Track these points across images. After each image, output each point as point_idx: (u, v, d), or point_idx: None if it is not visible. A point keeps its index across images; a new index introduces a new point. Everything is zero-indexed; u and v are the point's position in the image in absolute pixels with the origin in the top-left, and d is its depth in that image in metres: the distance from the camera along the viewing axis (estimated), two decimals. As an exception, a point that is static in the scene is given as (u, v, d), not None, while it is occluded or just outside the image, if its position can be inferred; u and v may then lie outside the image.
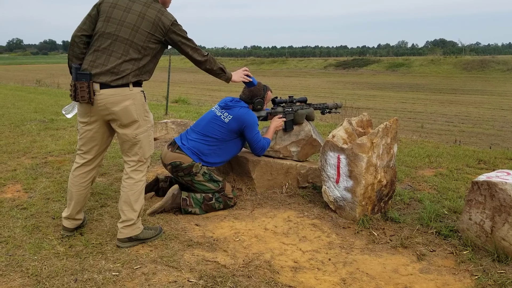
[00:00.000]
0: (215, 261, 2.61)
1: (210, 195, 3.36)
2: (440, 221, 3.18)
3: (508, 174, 2.71)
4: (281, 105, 3.80)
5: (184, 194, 3.31)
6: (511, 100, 21.91)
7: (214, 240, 2.91)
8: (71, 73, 2.54)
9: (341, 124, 3.42)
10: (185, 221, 3.21)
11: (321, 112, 3.97)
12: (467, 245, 2.77)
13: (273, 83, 28.82)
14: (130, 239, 2.70)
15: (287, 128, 3.78)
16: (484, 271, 2.50)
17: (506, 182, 2.56)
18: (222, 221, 3.24)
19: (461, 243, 2.82)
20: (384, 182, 3.25)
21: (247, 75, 3.11)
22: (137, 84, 2.60)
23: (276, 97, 3.81)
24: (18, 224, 3.02)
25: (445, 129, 14.46)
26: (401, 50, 73.80)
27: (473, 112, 18.39)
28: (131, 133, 2.61)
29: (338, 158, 3.22)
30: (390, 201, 3.40)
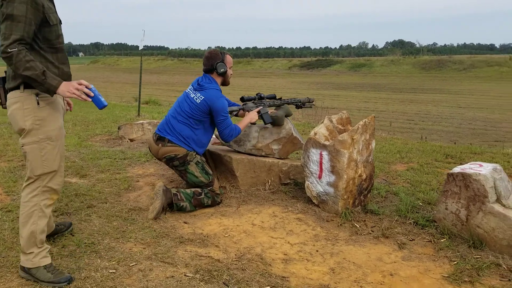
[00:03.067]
0: (208, 256, 2.68)
1: (200, 190, 3.43)
2: (416, 212, 3.37)
3: (481, 165, 2.92)
4: (251, 101, 3.85)
5: (174, 190, 3.36)
6: (468, 98, 22.90)
7: (204, 236, 2.98)
8: None
9: (322, 122, 3.55)
10: (173, 219, 3.26)
11: (296, 107, 4.04)
12: (444, 233, 2.96)
13: (239, 83, 28.92)
14: (23, 269, 2.32)
15: (266, 120, 3.82)
16: (462, 257, 2.68)
17: (479, 173, 2.76)
18: (209, 218, 3.31)
19: (438, 232, 3.01)
20: (364, 176, 3.41)
21: (85, 92, 2.19)
22: (30, 85, 2.17)
23: (244, 96, 3.86)
24: (6, 226, 2.98)
25: (406, 127, 14.98)
26: (362, 51, 75.56)
27: (432, 110, 19.10)
28: (20, 142, 2.26)
29: (321, 155, 3.36)
30: (369, 195, 3.56)
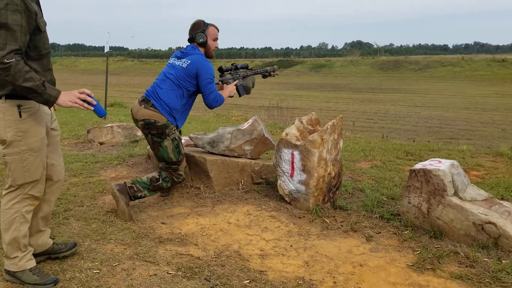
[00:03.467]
0: (188, 254, 2.79)
1: (157, 176, 3.46)
2: (381, 207, 3.59)
3: (440, 162, 3.17)
4: (229, 72, 3.79)
5: (128, 183, 3.38)
6: (424, 97, 23.82)
7: (183, 235, 3.08)
8: None
9: (293, 123, 3.72)
10: (150, 220, 3.34)
11: (263, 76, 4.01)
12: (407, 225, 3.19)
13: (201, 84, 28.80)
14: (8, 273, 2.35)
15: (241, 93, 3.80)
16: (424, 246, 2.91)
17: (439, 169, 3.00)
18: (186, 218, 3.41)
19: (402, 225, 3.23)
20: (333, 174, 3.60)
21: (86, 101, 2.18)
22: (12, 96, 2.13)
23: (222, 66, 3.79)
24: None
25: (367, 126, 15.46)
26: (322, 52, 76.90)
27: (390, 109, 19.75)
28: (1, 151, 2.24)
29: (292, 154, 3.52)
30: (337, 192, 3.76)
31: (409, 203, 3.18)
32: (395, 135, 12.03)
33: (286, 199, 3.66)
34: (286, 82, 34.08)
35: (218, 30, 3.59)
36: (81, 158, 5.02)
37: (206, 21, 3.54)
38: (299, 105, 18.68)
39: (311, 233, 3.19)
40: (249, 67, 3.94)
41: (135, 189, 3.36)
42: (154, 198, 3.79)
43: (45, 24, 2.22)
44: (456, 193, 3.02)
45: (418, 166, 3.17)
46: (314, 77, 39.44)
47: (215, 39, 3.56)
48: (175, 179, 3.50)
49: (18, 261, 2.31)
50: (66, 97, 2.10)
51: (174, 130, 3.42)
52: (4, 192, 2.30)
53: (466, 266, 2.66)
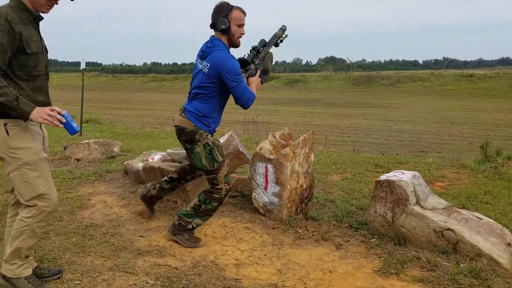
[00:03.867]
0: (166, 265, 2.90)
1: (197, 202, 3.22)
2: (350, 217, 3.78)
3: (403, 173, 3.39)
4: (252, 61, 3.31)
5: (175, 221, 3.27)
6: (395, 111, 24.46)
7: (161, 247, 3.19)
8: None
9: (267, 138, 3.90)
10: (129, 234, 3.44)
11: (274, 46, 3.45)
12: (374, 234, 3.39)
13: (177, 100, 28.88)
14: (4, 277, 2.43)
15: (262, 81, 3.42)
16: (389, 253, 3.11)
17: (401, 180, 3.22)
18: (164, 231, 3.51)
19: (369, 233, 3.43)
20: (305, 186, 3.79)
21: (57, 118, 2.23)
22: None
23: (243, 57, 3.30)
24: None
25: (340, 140, 15.80)
26: (297, 67, 78.03)
27: (363, 123, 20.22)
28: (5, 171, 2.37)
29: (266, 168, 3.69)
30: (309, 203, 3.94)
31: (376, 212, 3.38)
32: (368, 148, 12.37)
33: (261, 211, 3.81)
34: (262, 97, 34.44)
35: (244, 14, 3.10)
36: (58, 174, 5.06)
37: (230, 4, 3.08)
38: (274, 120, 18.95)
39: (284, 243, 3.34)
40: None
41: (183, 223, 3.22)
42: (132, 212, 3.89)
43: (39, 47, 2.32)
44: (418, 202, 3.23)
45: (383, 177, 3.39)
46: (289, 92, 39.98)
47: (241, 25, 3.09)
48: (215, 195, 3.18)
49: (15, 268, 2.39)
50: (38, 113, 2.19)
51: (206, 135, 3.12)
52: (21, 206, 2.38)
53: (427, 270, 2.86)
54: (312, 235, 3.48)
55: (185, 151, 4.15)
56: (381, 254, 3.10)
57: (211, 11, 3.08)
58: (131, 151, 6.74)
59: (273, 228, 3.61)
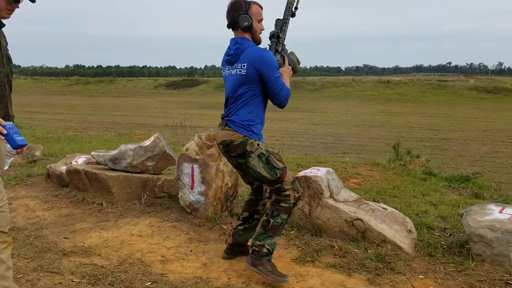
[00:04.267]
0: (92, 264, 2.94)
1: (265, 217, 2.85)
2: (273, 213, 4.01)
3: (318, 170, 3.69)
4: (278, 51, 2.92)
5: (249, 250, 2.88)
6: (320, 115, 25.46)
7: (86, 248, 3.21)
8: None
9: (193, 139, 4.03)
10: (53, 236, 3.41)
11: (291, 16, 2.99)
12: (293, 226, 3.64)
13: (102, 103, 27.98)
14: None
15: (294, 68, 3.04)
16: (306, 243, 3.36)
17: (317, 175, 3.51)
18: (89, 232, 3.53)
19: (289, 226, 3.67)
20: (230, 184, 3.97)
21: None
22: None
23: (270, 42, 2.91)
24: None
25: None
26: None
27: (290, 127, 20.86)
28: None
29: (192, 168, 3.83)
30: (234, 201, 4.13)
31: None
32: (294, 151, 12.82)
33: (187, 210, 3.93)
34: (191, 101, 34.29)
35: (262, 8, 2.88)
36: (-27, 179, 4.83)
37: None
38: (204, 124, 19.01)
39: (210, 239, 3.50)
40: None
41: (257, 248, 2.79)
42: (56, 215, 3.85)
43: None
44: (331, 196, 3.53)
45: (301, 174, 3.65)
46: (218, 96, 40.09)
47: (260, 20, 2.85)
48: (284, 205, 2.80)
49: None
50: None
51: (258, 144, 2.79)
52: None
53: (340, 256, 3.14)
54: (236, 230, 3.66)
55: (111, 154, 4.18)
56: (299, 245, 3.35)
57: (226, 9, 2.81)
58: (54, 155, 6.55)
59: (199, 226, 3.75)
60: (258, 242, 2.78)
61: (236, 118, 2.78)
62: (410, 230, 3.38)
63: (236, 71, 2.78)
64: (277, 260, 3.09)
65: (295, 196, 2.81)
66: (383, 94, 38.41)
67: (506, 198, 4.63)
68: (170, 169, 5.04)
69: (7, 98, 2.25)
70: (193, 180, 3.84)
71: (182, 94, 42.72)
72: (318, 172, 3.60)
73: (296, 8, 3.00)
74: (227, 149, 2.82)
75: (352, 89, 41.53)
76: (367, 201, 3.62)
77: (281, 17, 2.95)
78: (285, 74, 2.88)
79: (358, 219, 3.33)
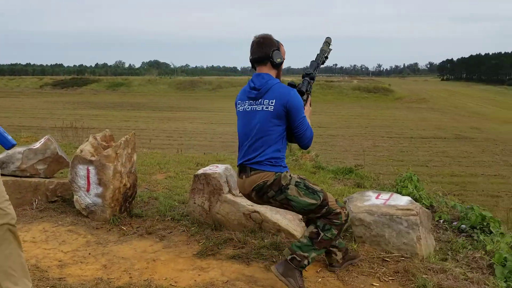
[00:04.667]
0: (-20, 275, 2.76)
1: (314, 229, 2.69)
2: (173, 211, 4.07)
3: (217, 167, 3.83)
4: (306, 91, 2.89)
5: (287, 255, 2.67)
6: (218, 115, 25.76)
7: (-29, 259, 2.99)
8: None
9: (88, 140, 3.93)
10: None
11: (322, 63, 3.06)
12: (194, 223, 3.74)
13: (-22, 104, 25.31)
14: None
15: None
16: (207, 238, 3.49)
17: (216, 172, 3.65)
18: None
19: (190, 223, 3.77)
20: (128, 185, 3.94)
21: None
22: None
23: (297, 86, 2.85)
24: None
25: (166, 143, 16.04)
26: (119, 70, 75.52)
27: (188, 127, 20.83)
28: None
29: (88, 170, 3.73)
30: (133, 201, 4.11)
31: (195, 203, 3.74)
32: (193, 151, 12.85)
33: (84, 213, 3.83)
34: (81, 101, 32.49)
35: None
36: None
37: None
38: (96, 125, 18.20)
39: (109, 241, 3.45)
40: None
41: (298, 258, 2.63)
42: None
43: None
44: (230, 191, 3.70)
45: (200, 171, 3.77)
46: (111, 96, 38.55)
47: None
48: (336, 221, 2.68)
49: None
50: None
51: (290, 175, 2.69)
52: None
53: (239, 248, 3.31)
54: (137, 230, 3.66)
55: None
56: (200, 240, 3.46)
57: (253, 47, 2.73)
58: None
59: (97, 228, 3.67)
60: (301, 253, 2.63)
61: (263, 157, 2.65)
62: (301, 219, 3.67)
63: (263, 107, 2.66)
64: (178, 257, 3.18)
65: (345, 212, 2.71)
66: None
67: (383, 186, 5.20)
68: (62, 172, 4.84)
69: None
70: (88, 182, 3.75)
71: (71, 94, 40.29)
72: (217, 169, 3.74)
73: (327, 57, 3.07)
74: (262, 192, 2.68)
75: (248, 88, 42.55)
76: (263, 195, 3.84)
77: (314, 59, 3.01)
78: (307, 114, 2.80)
79: (255, 211, 3.53)
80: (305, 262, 2.63)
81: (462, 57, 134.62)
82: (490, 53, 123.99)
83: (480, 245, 3.25)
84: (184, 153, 8.47)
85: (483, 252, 3.10)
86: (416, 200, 4.02)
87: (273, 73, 2.76)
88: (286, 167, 2.71)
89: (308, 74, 2.92)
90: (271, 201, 2.71)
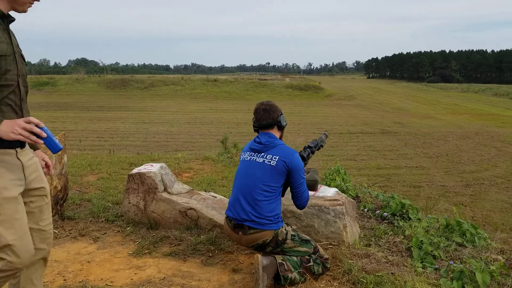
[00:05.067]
0: None
1: (307, 257, 2.80)
2: (107, 212, 4.02)
3: (152, 165, 3.84)
4: (305, 159, 3.15)
5: (278, 258, 2.72)
6: (151, 114, 25.28)
7: None
8: None
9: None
10: None
11: (317, 150, 3.41)
12: (129, 223, 3.73)
13: None
14: None
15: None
16: (143, 237, 3.49)
17: (151, 171, 3.66)
18: None
19: (125, 223, 3.75)
20: (59, 187, 3.84)
21: (34, 132, 1.76)
22: None
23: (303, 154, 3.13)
24: None
25: (97, 144, 15.55)
26: (44, 69, 71.65)
27: (120, 127, 20.27)
28: None
29: (14, 172, 3.59)
30: (64, 204, 4.00)
31: (129, 203, 3.73)
32: (125, 151, 12.59)
33: (11, 217, 3.67)
34: (2, 101, 30.45)
35: None
36: None
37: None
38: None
39: (40, 245, 3.36)
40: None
41: (286, 267, 2.69)
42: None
43: (7, 50, 1.84)
44: (165, 189, 3.73)
45: (135, 171, 3.76)
46: (36, 95, 36.48)
47: None
48: (326, 265, 2.82)
49: None
50: (8, 127, 1.70)
51: (285, 229, 2.80)
52: None
53: (175, 245, 3.36)
54: (69, 233, 3.59)
55: None
56: (135, 239, 3.46)
57: (260, 113, 2.90)
58: None
59: (26, 232, 3.55)
60: (289, 264, 2.72)
61: (263, 214, 2.72)
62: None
63: (264, 160, 2.81)
64: (113, 257, 3.17)
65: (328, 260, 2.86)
66: (211, 92, 39.93)
67: (314, 180, 5.46)
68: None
69: (23, 102, 1.93)
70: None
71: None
72: (152, 168, 3.75)
73: (322, 146, 3.40)
74: (261, 248, 2.80)
75: (181, 87, 42.11)
76: (199, 192, 3.92)
77: (316, 140, 3.34)
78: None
79: (191, 208, 3.59)
80: (289, 275, 2.70)
81: (386, 56, 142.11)
82: (411, 52, 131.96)
83: (400, 230, 3.54)
84: (117, 154, 8.30)
85: (402, 237, 3.39)
86: (343, 191, 4.28)
87: (278, 134, 2.96)
88: (282, 221, 2.83)
89: (310, 147, 3.21)
90: (266, 251, 2.81)
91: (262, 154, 2.84)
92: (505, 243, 3.82)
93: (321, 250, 2.86)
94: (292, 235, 2.80)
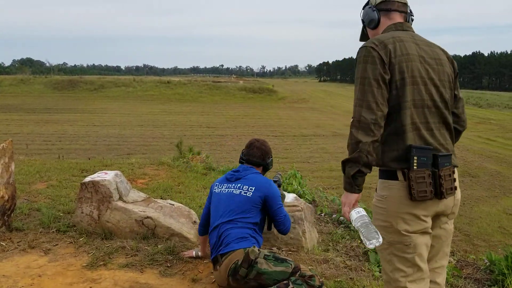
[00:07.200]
0: None
1: (285, 282, 2.54)
2: (58, 222, 3.85)
3: (106, 173, 3.72)
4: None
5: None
6: (101, 116, 24.57)
7: None
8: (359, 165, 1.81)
9: (-46, 150, 3.54)
10: None
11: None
12: (82, 233, 3.59)
13: None
14: None
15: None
16: (97, 248, 3.37)
17: (105, 179, 3.55)
18: None
19: (77, 233, 3.60)
20: (6, 197, 3.64)
21: None
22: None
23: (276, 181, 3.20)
24: None
25: (44, 148, 14.94)
26: (-15, 68, 67.95)
27: (68, 130, 19.59)
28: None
29: (-44, 183, 3.37)
30: (12, 214, 3.80)
31: (82, 213, 3.60)
32: (75, 155, 12.17)
33: (-48, 231, 3.45)
34: None
35: None
36: None
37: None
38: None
39: (-14, 260, 3.17)
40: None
41: None
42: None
43: None
44: (120, 198, 3.62)
45: (88, 179, 3.63)
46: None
47: None
48: (309, 282, 2.53)
49: None
50: None
51: (258, 249, 2.68)
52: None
53: (131, 256, 3.27)
54: (18, 245, 3.41)
55: None
56: (89, 251, 3.34)
57: (253, 149, 3.01)
58: None
59: (-30, 246, 3.35)
60: None
61: (235, 237, 2.71)
62: (195, 221, 3.74)
63: (241, 191, 2.83)
64: (66, 270, 3.04)
65: (319, 279, 2.59)
66: (164, 94, 39.35)
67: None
68: None
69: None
70: (-42, 196, 3.39)
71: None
72: (106, 176, 3.64)
73: (280, 185, 3.31)
74: (236, 273, 2.62)
75: (133, 89, 41.23)
76: (156, 199, 3.84)
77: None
78: None
79: (147, 217, 3.51)
80: None
81: (336, 60, 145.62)
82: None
83: (356, 234, 3.63)
84: (66, 159, 8.00)
85: (359, 241, 3.48)
86: (300, 196, 4.34)
87: (261, 172, 3.06)
88: (256, 242, 2.78)
89: (276, 181, 3.17)
90: (246, 280, 2.62)
91: (236, 182, 2.90)
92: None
93: (303, 268, 2.64)
94: (265, 254, 2.66)
